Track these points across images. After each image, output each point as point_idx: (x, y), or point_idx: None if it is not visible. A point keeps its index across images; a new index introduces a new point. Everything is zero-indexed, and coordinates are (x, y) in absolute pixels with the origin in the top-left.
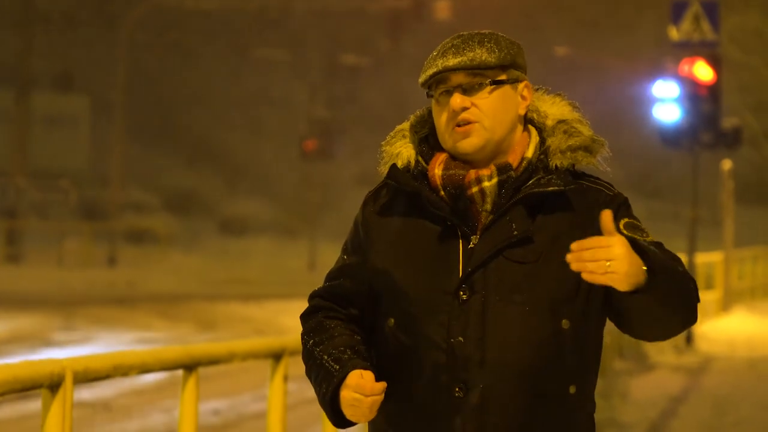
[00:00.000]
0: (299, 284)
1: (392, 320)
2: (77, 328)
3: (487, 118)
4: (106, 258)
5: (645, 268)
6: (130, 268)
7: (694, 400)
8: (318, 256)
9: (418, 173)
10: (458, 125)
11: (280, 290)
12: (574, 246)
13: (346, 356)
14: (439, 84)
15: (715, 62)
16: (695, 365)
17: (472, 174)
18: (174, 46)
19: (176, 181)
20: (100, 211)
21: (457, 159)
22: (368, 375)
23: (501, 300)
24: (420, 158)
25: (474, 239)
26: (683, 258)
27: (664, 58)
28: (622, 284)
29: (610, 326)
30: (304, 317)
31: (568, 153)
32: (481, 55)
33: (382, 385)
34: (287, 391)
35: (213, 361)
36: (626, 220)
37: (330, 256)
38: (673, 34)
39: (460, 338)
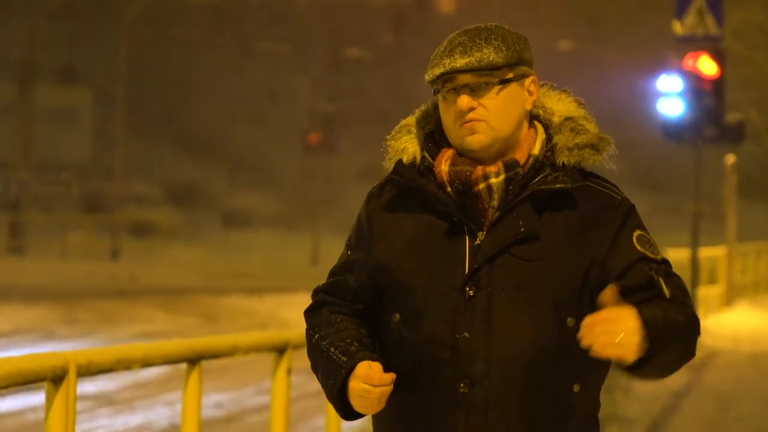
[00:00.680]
0: (302, 278)
1: (397, 315)
2: (80, 321)
3: (494, 117)
4: (108, 251)
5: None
6: (133, 261)
7: (697, 395)
8: (321, 250)
9: (425, 169)
10: (465, 122)
11: (282, 284)
12: (586, 320)
13: (353, 348)
14: (445, 82)
15: (718, 57)
16: (698, 360)
17: (479, 170)
18: (177, 40)
19: (179, 174)
20: (102, 203)
21: (463, 155)
22: (377, 366)
23: (507, 296)
24: (426, 154)
25: (480, 236)
26: (686, 253)
27: (667, 52)
28: (632, 355)
29: None
30: (309, 312)
31: (575, 150)
32: (489, 55)
33: (391, 376)
34: (290, 385)
35: (216, 354)
36: (639, 232)
37: (333, 249)
38: (677, 28)
39: (466, 334)
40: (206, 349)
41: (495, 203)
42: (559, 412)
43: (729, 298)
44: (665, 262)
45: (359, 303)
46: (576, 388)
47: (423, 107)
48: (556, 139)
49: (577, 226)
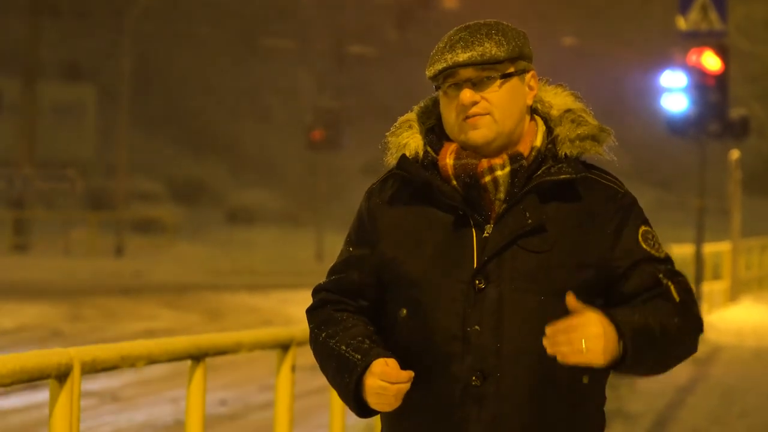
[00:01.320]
0: (306, 274)
1: (404, 310)
2: (84, 318)
3: (497, 111)
4: (112, 248)
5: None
6: (137, 258)
7: (702, 390)
8: (325, 246)
9: (428, 163)
10: (468, 117)
11: (286, 280)
12: (548, 331)
13: (366, 345)
14: (447, 78)
15: (722, 52)
16: (702, 355)
17: (484, 163)
18: (181, 36)
19: (183, 171)
20: (106, 200)
21: (467, 149)
22: (393, 363)
23: (516, 289)
24: (429, 149)
25: (488, 228)
26: (690, 249)
27: (671, 48)
28: (599, 360)
29: None
30: (311, 311)
31: (577, 142)
32: (491, 49)
33: (409, 373)
34: (295, 381)
35: (220, 351)
36: (644, 228)
37: (337, 246)
38: (681, 24)
39: (477, 327)
40: (210, 346)
41: (501, 195)
42: (570, 404)
43: (733, 294)
44: (669, 260)
45: (364, 300)
46: (585, 379)
47: (422, 103)
48: (557, 130)
49: (583, 217)
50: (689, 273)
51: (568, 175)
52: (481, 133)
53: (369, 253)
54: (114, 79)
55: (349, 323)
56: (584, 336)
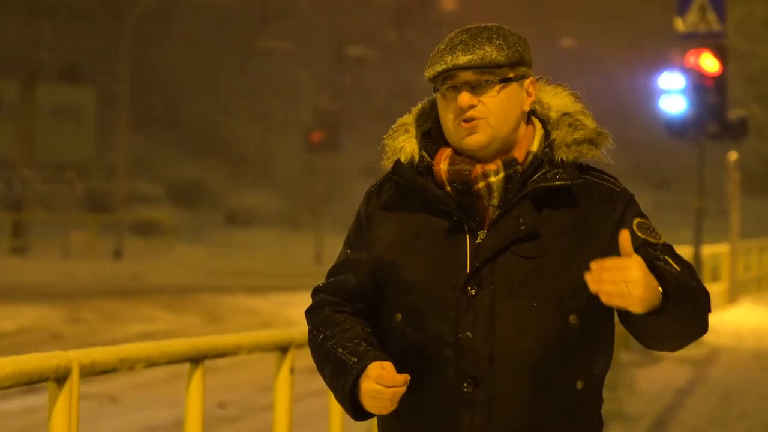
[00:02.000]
0: (305, 276)
1: (399, 315)
2: (83, 320)
3: (493, 116)
4: (111, 250)
5: (661, 290)
6: (136, 260)
7: (701, 392)
8: (324, 248)
9: (423, 168)
10: (465, 121)
11: (286, 282)
12: (593, 265)
13: (362, 348)
14: (446, 80)
15: (721, 53)
16: (701, 357)
17: (478, 169)
18: (180, 38)
19: (182, 173)
20: (105, 202)
21: (462, 154)
22: (389, 366)
23: (509, 295)
24: (424, 153)
25: (481, 234)
26: (689, 250)
27: (670, 49)
28: (637, 307)
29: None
30: (310, 313)
31: (574, 146)
32: (491, 53)
33: (405, 377)
34: (293, 384)
35: (219, 354)
36: (638, 220)
37: (336, 247)
38: (679, 25)
39: (469, 333)
40: (209, 349)
41: (495, 201)
42: (564, 410)
43: (732, 295)
44: (667, 245)
45: (361, 302)
46: (580, 384)
47: (420, 105)
48: (554, 135)
49: (578, 222)
50: None
51: (563, 182)
52: (476, 138)
53: (366, 256)
54: (113, 81)
55: (346, 325)
56: (627, 278)
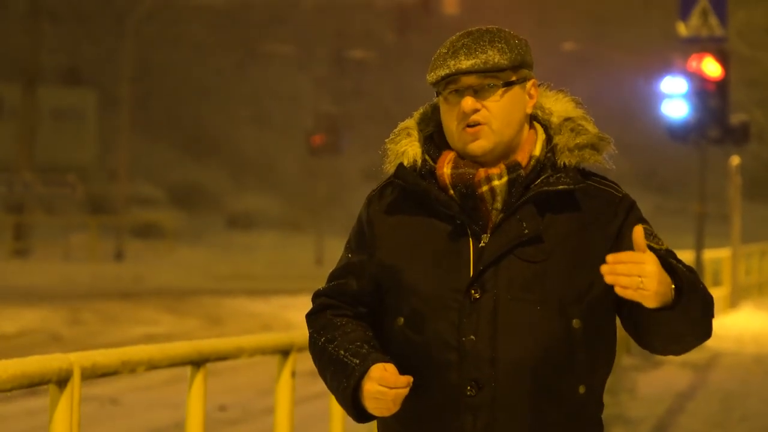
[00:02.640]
0: (306, 279)
1: (401, 319)
2: (84, 322)
3: (496, 121)
4: (112, 252)
5: (674, 286)
6: (137, 263)
7: (702, 396)
8: (325, 251)
9: (426, 172)
10: (468, 126)
11: (287, 285)
12: (609, 258)
13: (364, 350)
14: (448, 84)
15: (723, 58)
16: (702, 361)
17: (481, 173)
18: (181, 41)
19: (183, 176)
20: (106, 205)
21: (465, 158)
22: (391, 368)
23: (512, 299)
24: (427, 157)
25: (485, 238)
26: (691, 254)
27: (672, 53)
28: (651, 301)
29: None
30: (311, 316)
31: (576, 151)
32: (494, 57)
33: (407, 378)
34: (295, 387)
35: (221, 357)
36: (642, 226)
37: (337, 250)
38: (681, 29)
39: (472, 336)
40: (211, 352)
41: (498, 205)
42: (566, 414)
43: (734, 300)
44: (670, 251)
45: (362, 306)
46: (582, 389)
47: (421, 109)
48: (556, 139)
49: (580, 226)
50: None
51: (565, 186)
52: (479, 144)
53: (367, 260)
54: (114, 84)
55: (348, 328)
56: (642, 272)
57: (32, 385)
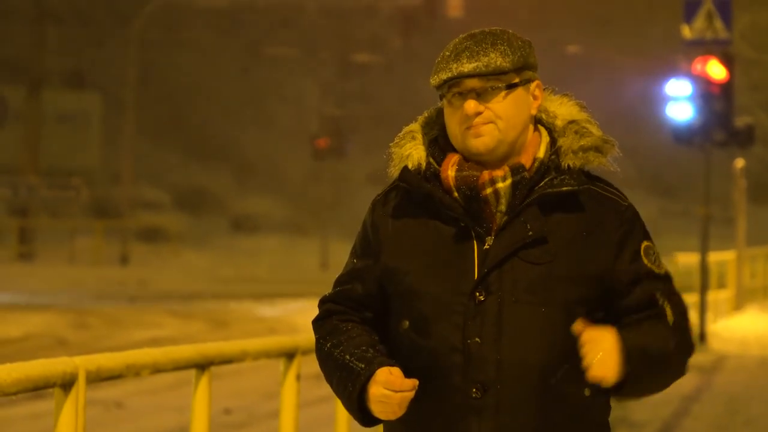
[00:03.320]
0: (311, 283)
1: (407, 322)
2: (89, 326)
3: (500, 121)
4: (117, 256)
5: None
6: (142, 267)
7: (707, 399)
8: (330, 254)
9: (431, 175)
10: (471, 127)
11: (291, 289)
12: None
13: (369, 354)
14: (452, 87)
15: (727, 61)
16: (708, 364)
17: (485, 175)
18: (185, 44)
19: (187, 179)
20: (111, 209)
21: (469, 160)
22: (397, 371)
23: (517, 301)
24: (432, 160)
25: (489, 240)
26: (695, 257)
27: (676, 56)
28: (612, 376)
29: None
30: (317, 322)
31: (580, 153)
32: (496, 59)
33: (413, 382)
34: (300, 390)
35: (226, 360)
36: (646, 243)
37: (342, 254)
38: (686, 32)
39: (477, 339)
40: (216, 355)
41: (502, 207)
42: (571, 417)
43: (738, 303)
44: (668, 278)
45: (368, 311)
46: (587, 392)
47: (426, 113)
48: (560, 141)
49: (585, 229)
50: (694, 282)
51: (570, 187)
52: (482, 141)
53: (372, 264)
54: (119, 88)
55: (353, 333)
56: (601, 349)
57: (37, 388)
